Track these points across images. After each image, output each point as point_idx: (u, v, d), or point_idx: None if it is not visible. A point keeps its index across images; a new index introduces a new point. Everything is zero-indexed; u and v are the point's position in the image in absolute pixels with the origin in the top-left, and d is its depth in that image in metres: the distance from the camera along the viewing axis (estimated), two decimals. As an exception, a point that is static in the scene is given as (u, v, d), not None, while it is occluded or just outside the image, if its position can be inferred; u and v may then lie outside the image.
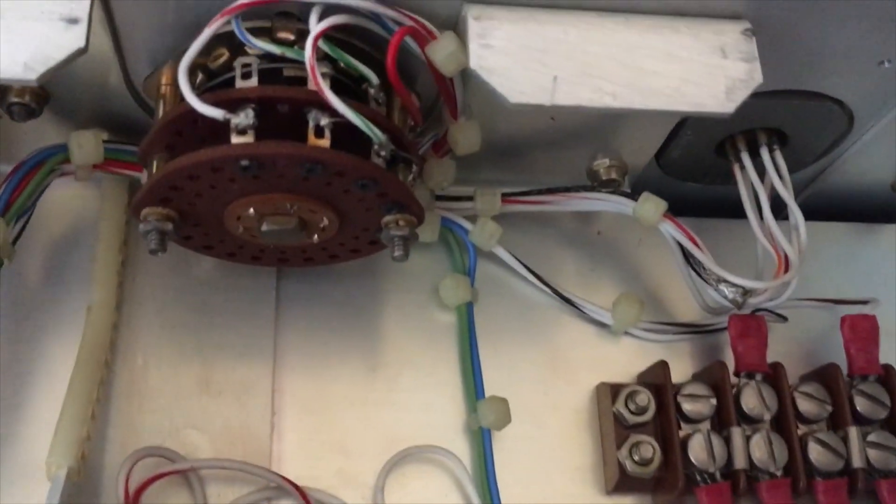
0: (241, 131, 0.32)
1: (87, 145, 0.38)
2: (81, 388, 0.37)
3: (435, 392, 0.43)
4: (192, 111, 0.33)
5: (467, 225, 0.44)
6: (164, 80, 0.37)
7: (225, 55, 0.35)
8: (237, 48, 0.35)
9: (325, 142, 0.32)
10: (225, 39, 0.35)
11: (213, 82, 0.36)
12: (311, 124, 0.32)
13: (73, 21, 0.31)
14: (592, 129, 0.43)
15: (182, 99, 0.35)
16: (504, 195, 0.44)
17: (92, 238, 0.42)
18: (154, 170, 0.36)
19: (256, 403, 0.41)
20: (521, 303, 0.46)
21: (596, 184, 0.45)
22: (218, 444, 0.40)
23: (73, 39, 0.31)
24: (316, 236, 0.37)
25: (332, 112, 0.32)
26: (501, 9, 0.34)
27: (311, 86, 0.33)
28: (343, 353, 0.43)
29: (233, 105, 0.32)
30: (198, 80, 0.36)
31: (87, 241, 0.42)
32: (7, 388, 0.40)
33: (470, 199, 0.44)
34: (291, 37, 0.34)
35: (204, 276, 0.43)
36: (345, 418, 0.42)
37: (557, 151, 0.45)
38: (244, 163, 0.32)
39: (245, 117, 0.32)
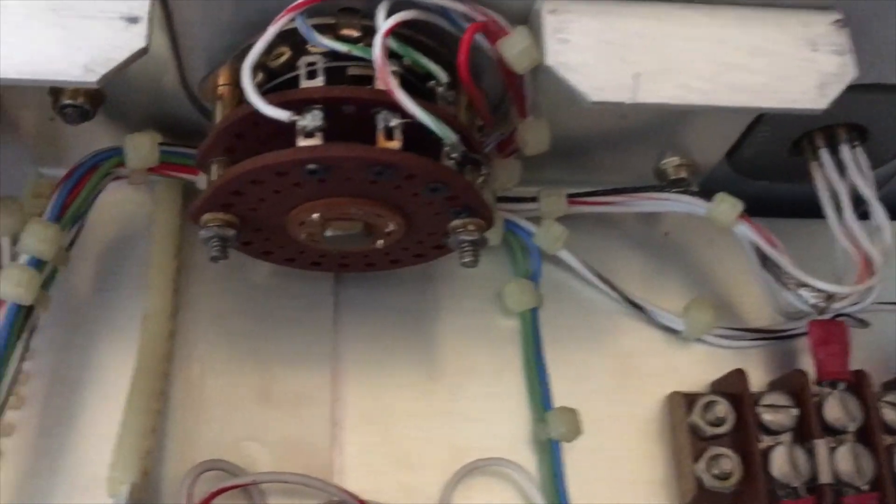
0: (308, 134, 0.30)
1: (142, 148, 0.37)
2: (141, 399, 0.35)
3: (498, 401, 0.41)
4: (255, 113, 0.31)
5: (531, 227, 0.42)
6: (221, 81, 0.36)
7: (286, 54, 0.34)
8: (298, 46, 0.33)
9: (396, 144, 0.31)
10: (286, 37, 0.33)
11: (273, 82, 0.34)
12: (381, 126, 0.31)
13: (133, 20, 0.30)
14: (661, 126, 0.41)
15: (241, 100, 0.34)
16: (569, 196, 0.42)
17: (143, 243, 0.41)
18: (213, 174, 0.34)
19: (316, 414, 0.39)
20: (586, 308, 0.44)
21: (664, 183, 0.43)
22: (278, 456, 0.38)
23: (134, 39, 0.30)
24: (381, 241, 0.36)
25: (402, 112, 0.31)
26: (578, 2, 0.32)
27: (378, 85, 0.31)
28: (404, 362, 0.41)
29: (298, 106, 0.31)
30: (257, 80, 0.35)
31: (137, 245, 0.41)
32: (59, 396, 0.39)
33: (533, 200, 0.42)
34: (356, 33, 0.33)
35: (260, 283, 0.42)
36: (407, 429, 0.40)
37: (622, 150, 0.43)
38: (311, 167, 0.31)
39: (312, 119, 0.30)
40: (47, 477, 0.37)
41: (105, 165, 0.37)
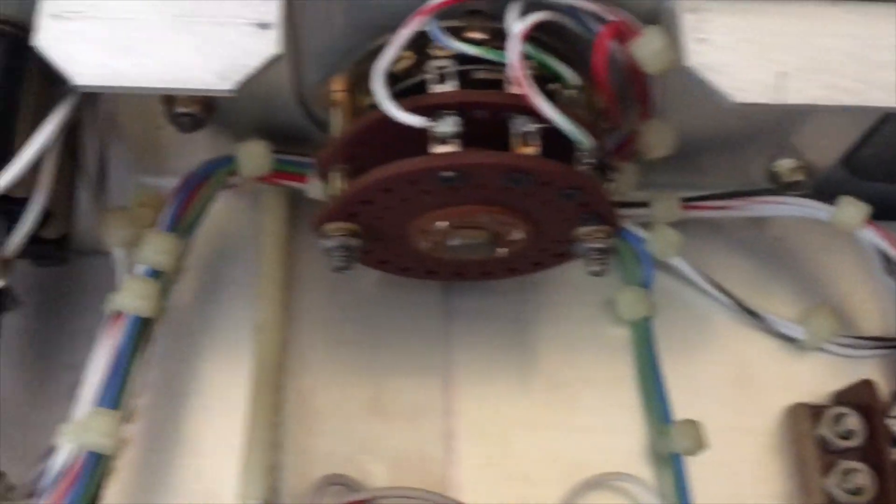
0: (443, 140, 0.29)
1: (256, 156, 0.37)
2: (263, 413, 0.35)
3: (613, 413, 0.40)
4: (383, 120, 0.31)
5: (642, 233, 0.41)
6: (336, 87, 0.35)
7: (409, 58, 0.33)
8: (420, 50, 0.32)
9: (533, 149, 0.30)
10: (410, 41, 0.32)
11: (396, 87, 0.33)
12: (517, 131, 0.30)
13: (265, 26, 0.29)
14: (778, 127, 0.40)
15: (358, 107, 0.33)
16: (683, 200, 0.41)
17: (244, 252, 0.40)
18: (334, 182, 0.34)
19: (430, 427, 0.39)
20: (698, 316, 0.42)
21: (779, 187, 0.41)
22: (393, 470, 0.38)
23: (267, 45, 0.29)
24: (504, 250, 0.35)
25: (539, 117, 0.30)
26: (717, 0, 0.31)
27: (511, 89, 0.30)
28: (516, 372, 0.40)
29: (430, 112, 0.30)
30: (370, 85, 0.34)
31: (238, 255, 0.41)
32: (167, 409, 0.38)
33: (643, 204, 0.41)
34: (483, 36, 0.32)
35: (367, 292, 0.41)
36: (522, 442, 0.39)
37: (734, 152, 0.42)
38: (447, 174, 0.30)
39: (449, 125, 0.29)
40: (161, 493, 0.37)
41: (218, 174, 0.37)
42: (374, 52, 0.33)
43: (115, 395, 0.32)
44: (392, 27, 0.33)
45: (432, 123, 0.29)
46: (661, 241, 0.41)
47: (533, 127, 0.30)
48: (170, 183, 0.39)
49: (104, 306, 0.35)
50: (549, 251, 0.36)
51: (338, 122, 0.35)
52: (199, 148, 0.38)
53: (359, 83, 0.35)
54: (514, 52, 0.29)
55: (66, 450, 0.32)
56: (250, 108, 0.38)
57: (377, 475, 0.37)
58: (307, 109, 0.37)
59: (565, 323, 0.42)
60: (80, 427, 0.31)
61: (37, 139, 0.29)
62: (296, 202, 0.40)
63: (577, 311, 0.42)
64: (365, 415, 0.39)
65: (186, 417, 0.38)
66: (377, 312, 0.41)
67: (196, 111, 0.35)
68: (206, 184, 0.36)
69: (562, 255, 0.36)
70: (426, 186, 0.31)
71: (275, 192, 0.40)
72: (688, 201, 0.41)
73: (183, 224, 0.36)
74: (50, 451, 0.40)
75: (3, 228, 0.31)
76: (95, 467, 0.31)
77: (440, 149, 0.29)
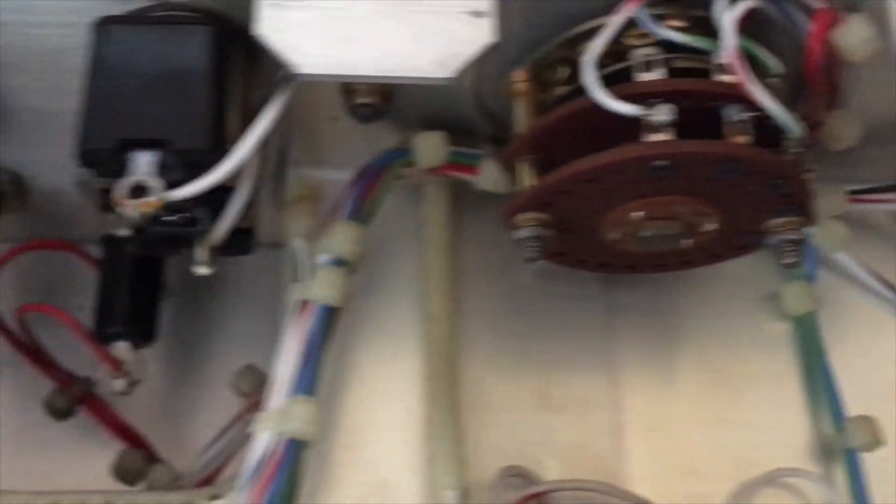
0: (656, 129, 0.29)
1: (433, 148, 0.37)
2: (442, 403, 0.35)
3: (779, 409, 0.39)
4: (583, 110, 0.30)
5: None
6: (518, 77, 0.35)
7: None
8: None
9: (746, 139, 0.30)
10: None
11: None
12: (732, 120, 0.29)
13: (478, 14, 0.29)
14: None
15: (540, 99, 0.33)
16: (849, 192, 0.40)
17: (404, 245, 0.40)
18: (523, 173, 0.33)
19: (599, 420, 0.38)
20: (860, 311, 0.42)
21: (946, 179, 0.41)
22: (564, 463, 0.37)
23: (481, 34, 0.29)
24: (690, 241, 0.34)
25: (750, 106, 0.29)
26: (923, -15, 0.31)
27: (718, 77, 0.30)
28: (681, 366, 0.40)
29: (636, 101, 0.30)
30: (560, 76, 0.34)
31: (397, 248, 0.41)
32: (337, 399, 0.38)
33: (805, 197, 0.40)
34: (684, 24, 0.32)
35: (527, 284, 0.41)
36: (691, 436, 0.38)
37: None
38: (660, 163, 0.29)
39: (664, 113, 0.29)
40: (329, 485, 0.37)
41: (395, 165, 0.37)
42: (566, 43, 0.33)
43: (310, 382, 0.32)
44: (581, 17, 0.33)
45: (647, 112, 0.29)
46: (827, 235, 0.40)
47: (745, 116, 0.29)
48: (326, 174, 0.40)
49: (288, 296, 0.35)
50: (732, 243, 0.35)
51: (521, 114, 0.34)
52: (352, 139, 0.39)
53: (540, 74, 0.35)
54: (729, 39, 0.29)
55: (264, 439, 0.32)
56: (423, 100, 0.38)
57: (550, 468, 0.37)
58: (480, 101, 0.37)
59: (724, 317, 0.41)
60: (281, 415, 0.31)
61: (257, 128, 0.29)
62: (457, 195, 0.40)
63: (734, 305, 0.42)
64: (534, 408, 0.38)
65: (353, 409, 0.38)
66: (538, 305, 0.40)
67: (376, 101, 0.35)
68: (383, 174, 0.36)
69: (742, 247, 0.36)
70: (633, 176, 0.30)
71: (438, 185, 0.40)
72: (853, 194, 0.40)
73: (362, 214, 0.36)
74: (215, 440, 0.41)
75: (208, 217, 0.31)
76: (297, 455, 0.31)
77: (654, 137, 0.29)
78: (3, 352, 0.44)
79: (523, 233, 0.33)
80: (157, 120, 0.28)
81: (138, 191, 0.28)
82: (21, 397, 0.45)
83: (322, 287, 0.33)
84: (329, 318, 0.34)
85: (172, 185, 0.28)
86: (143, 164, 0.28)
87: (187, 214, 0.30)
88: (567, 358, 0.39)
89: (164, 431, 0.44)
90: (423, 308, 0.39)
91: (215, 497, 0.35)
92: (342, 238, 0.34)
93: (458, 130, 0.38)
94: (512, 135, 0.37)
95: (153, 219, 0.29)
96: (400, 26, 0.29)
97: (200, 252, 0.31)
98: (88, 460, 0.44)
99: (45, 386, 0.43)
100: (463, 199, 0.40)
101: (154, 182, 0.28)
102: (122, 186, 0.27)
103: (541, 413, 0.38)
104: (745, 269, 0.41)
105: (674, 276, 0.41)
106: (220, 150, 0.29)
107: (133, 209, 0.27)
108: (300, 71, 0.28)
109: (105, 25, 0.30)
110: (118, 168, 0.28)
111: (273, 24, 0.28)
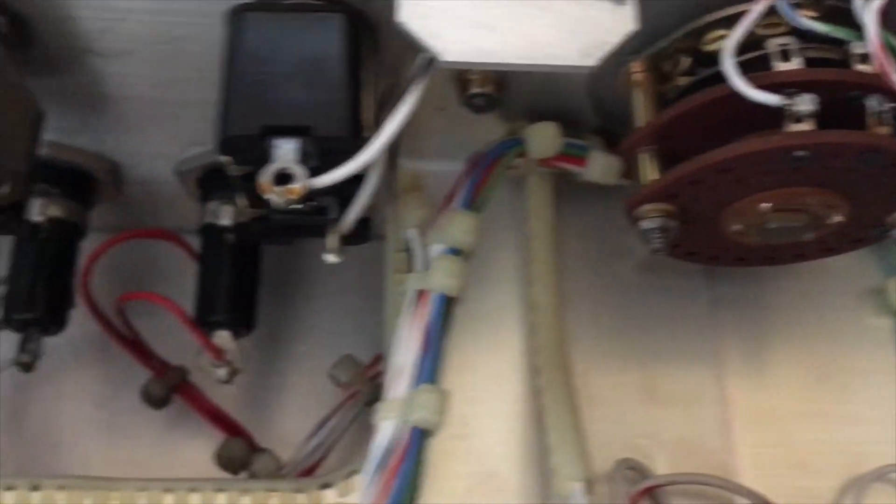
0: (798, 119, 0.29)
1: (548, 138, 0.36)
2: (562, 395, 0.35)
3: (886, 405, 0.39)
4: (715, 100, 0.30)
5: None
6: (637, 69, 0.35)
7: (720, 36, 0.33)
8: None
9: (887, 129, 0.29)
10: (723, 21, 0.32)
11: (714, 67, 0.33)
12: (874, 110, 0.29)
13: (620, 1, 0.29)
14: None
15: (659, 90, 0.33)
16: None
17: (504, 237, 0.40)
18: (644, 164, 0.33)
19: (706, 414, 0.38)
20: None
21: None
22: (673, 456, 0.37)
23: (624, 22, 0.29)
24: (812, 234, 0.34)
25: (891, 97, 0.29)
26: None
27: (857, 67, 0.30)
28: (786, 360, 0.40)
29: (774, 90, 0.29)
30: (682, 66, 0.34)
31: (498, 239, 0.41)
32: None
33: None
34: (817, 13, 0.31)
35: (629, 277, 0.41)
36: (799, 431, 0.38)
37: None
38: (800, 153, 0.29)
39: (807, 103, 0.29)
40: (435, 474, 0.37)
41: (508, 156, 0.37)
42: (691, 33, 0.33)
43: (433, 371, 0.32)
44: (711, 7, 0.32)
45: (790, 102, 0.29)
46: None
47: (887, 107, 0.29)
48: (426, 165, 0.40)
49: (404, 286, 0.35)
50: (851, 237, 0.35)
51: (639, 105, 0.34)
52: (458, 130, 0.38)
53: (658, 65, 0.34)
54: (872, 30, 0.29)
55: (388, 427, 0.32)
56: (531, 90, 0.38)
57: (659, 462, 0.37)
58: (595, 92, 0.37)
59: (827, 311, 0.41)
60: (408, 405, 0.31)
61: (396, 116, 0.29)
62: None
63: (837, 299, 0.41)
64: (639, 401, 0.38)
65: (459, 399, 0.38)
66: (640, 298, 0.40)
67: (491, 91, 0.35)
68: (497, 164, 0.36)
69: (859, 241, 0.35)
70: (770, 166, 0.30)
71: (541, 176, 0.40)
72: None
73: (476, 204, 0.36)
74: (316, 430, 0.41)
75: (336, 205, 0.31)
76: (422, 444, 0.31)
77: (796, 128, 0.29)
78: (94, 340, 0.44)
79: (648, 223, 0.33)
80: (298, 107, 0.28)
81: (283, 178, 0.27)
82: (111, 386, 0.45)
83: (441, 276, 0.33)
84: (447, 307, 0.33)
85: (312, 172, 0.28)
86: (287, 151, 0.28)
87: (315, 203, 0.30)
88: (671, 351, 0.39)
89: (250, 419, 0.44)
90: (525, 299, 0.39)
91: (326, 486, 0.35)
92: (459, 227, 0.34)
93: (562, 122, 0.38)
94: (619, 126, 0.37)
95: (285, 207, 0.29)
96: (541, 14, 0.29)
97: (331, 241, 0.31)
98: (178, 449, 0.44)
99: (131, 374, 0.43)
100: (563, 192, 0.40)
101: (298, 169, 0.27)
102: (268, 173, 0.27)
103: (646, 406, 0.38)
104: (846, 264, 0.41)
105: (775, 270, 0.41)
106: (358, 138, 0.29)
107: (280, 195, 0.27)
108: (444, 59, 0.28)
109: (242, 13, 0.30)
110: (258, 156, 0.28)
111: (415, 11, 0.28)
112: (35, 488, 0.35)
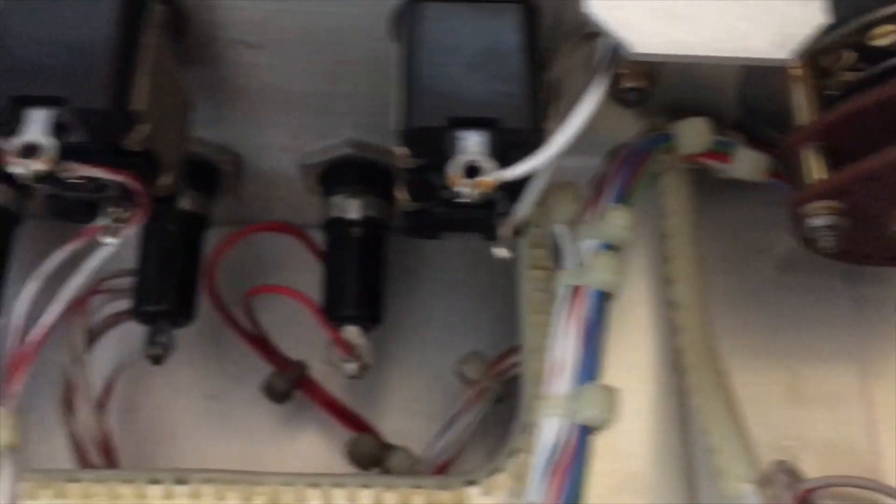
0: None
1: (699, 134, 0.36)
2: (720, 394, 0.34)
3: None
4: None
5: None
6: (796, 63, 0.34)
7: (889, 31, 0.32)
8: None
9: None
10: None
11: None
12: None
13: (809, -7, 0.29)
14: None
15: (821, 83, 0.32)
16: None
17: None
18: (810, 161, 0.32)
19: (852, 415, 0.38)
20: None
21: None
22: (821, 459, 0.37)
23: (816, 13, 0.28)
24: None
25: None
26: None
27: None
28: (931, 362, 0.39)
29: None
30: (844, 61, 0.33)
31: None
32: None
33: None
34: None
35: (768, 275, 0.40)
36: (946, 434, 0.38)
37: None
38: None
39: None
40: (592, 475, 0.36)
41: (658, 150, 0.36)
42: (860, 28, 0.32)
43: (595, 368, 0.32)
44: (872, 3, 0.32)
45: None
46: None
47: None
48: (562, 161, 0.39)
49: (556, 282, 0.34)
50: None
51: (800, 101, 0.33)
52: (598, 124, 0.37)
53: (818, 60, 0.34)
54: None
55: (553, 425, 0.31)
56: (678, 85, 0.37)
57: (806, 464, 0.36)
58: (747, 88, 0.36)
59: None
60: (574, 402, 0.31)
61: (583, 109, 0.28)
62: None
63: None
64: (784, 402, 0.38)
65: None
66: (780, 297, 0.40)
67: (644, 85, 0.34)
68: (648, 159, 0.36)
69: None
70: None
71: (679, 173, 0.39)
72: None
73: (627, 199, 0.35)
74: (447, 426, 0.40)
75: (506, 199, 0.30)
76: (589, 442, 0.31)
77: None
78: (204, 333, 0.44)
79: (817, 221, 0.32)
80: (483, 99, 0.28)
81: (471, 171, 0.27)
82: (226, 379, 0.45)
83: (600, 272, 0.33)
84: (605, 303, 0.33)
85: (497, 164, 0.28)
86: (474, 143, 0.27)
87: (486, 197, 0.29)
88: (814, 352, 0.39)
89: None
90: (661, 297, 0.38)
91: (471, 483, 0.35)
92: (616, 222, 0.33)
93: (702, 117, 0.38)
94: (765, 122, 0.36)
95: (444, 201, 0.29)
96: (732, 4, 0.28)
97: (503, 235, 0.31)
98: (295, 444, 0.44)
99: (245, 368, 0.43)
100: (700, 190, 0.40)
101: (487, 162, 0.27)
102: (457, 165, 0.27)
103: (792, 407, 0.38)
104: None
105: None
106: (540, 130, 0.28)
107: (471, 188, 0.27)
108: (634, 50, 0.27)
109: (421, 3, 0.29)
110: (435, 147, 0.28)
111: (605, 2, 0.28)
112: (180, 482, 0.34)
